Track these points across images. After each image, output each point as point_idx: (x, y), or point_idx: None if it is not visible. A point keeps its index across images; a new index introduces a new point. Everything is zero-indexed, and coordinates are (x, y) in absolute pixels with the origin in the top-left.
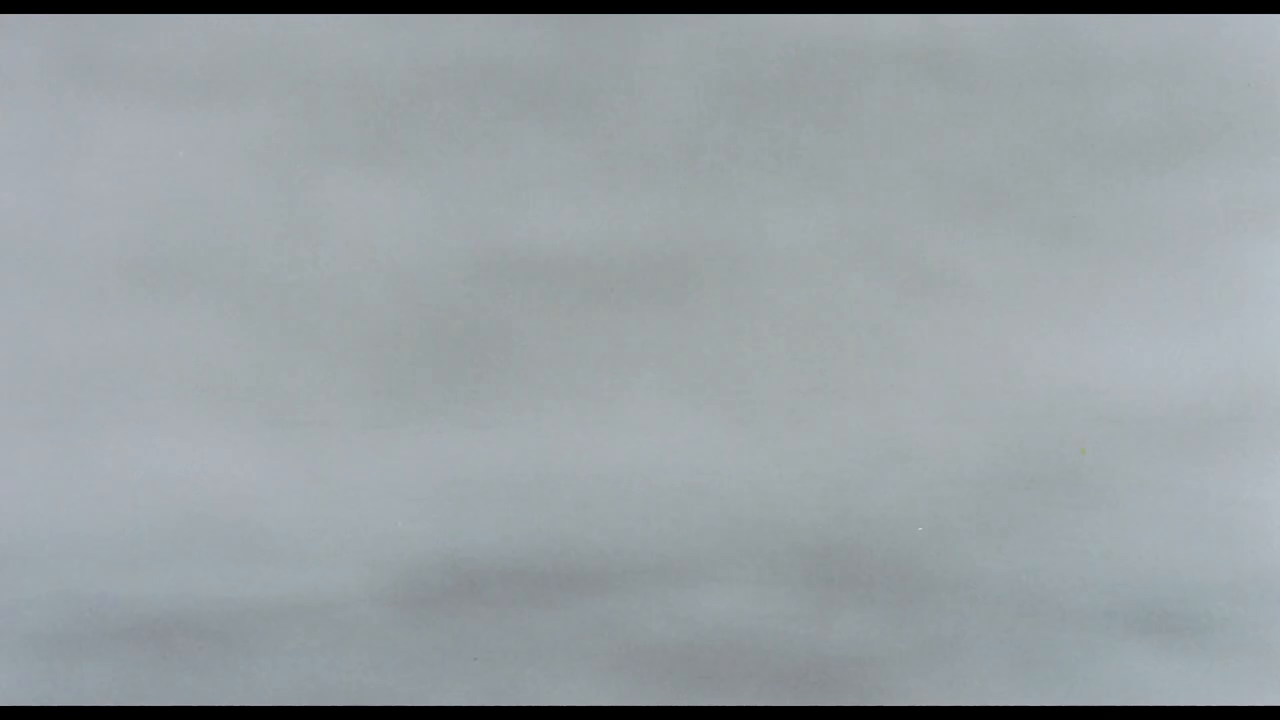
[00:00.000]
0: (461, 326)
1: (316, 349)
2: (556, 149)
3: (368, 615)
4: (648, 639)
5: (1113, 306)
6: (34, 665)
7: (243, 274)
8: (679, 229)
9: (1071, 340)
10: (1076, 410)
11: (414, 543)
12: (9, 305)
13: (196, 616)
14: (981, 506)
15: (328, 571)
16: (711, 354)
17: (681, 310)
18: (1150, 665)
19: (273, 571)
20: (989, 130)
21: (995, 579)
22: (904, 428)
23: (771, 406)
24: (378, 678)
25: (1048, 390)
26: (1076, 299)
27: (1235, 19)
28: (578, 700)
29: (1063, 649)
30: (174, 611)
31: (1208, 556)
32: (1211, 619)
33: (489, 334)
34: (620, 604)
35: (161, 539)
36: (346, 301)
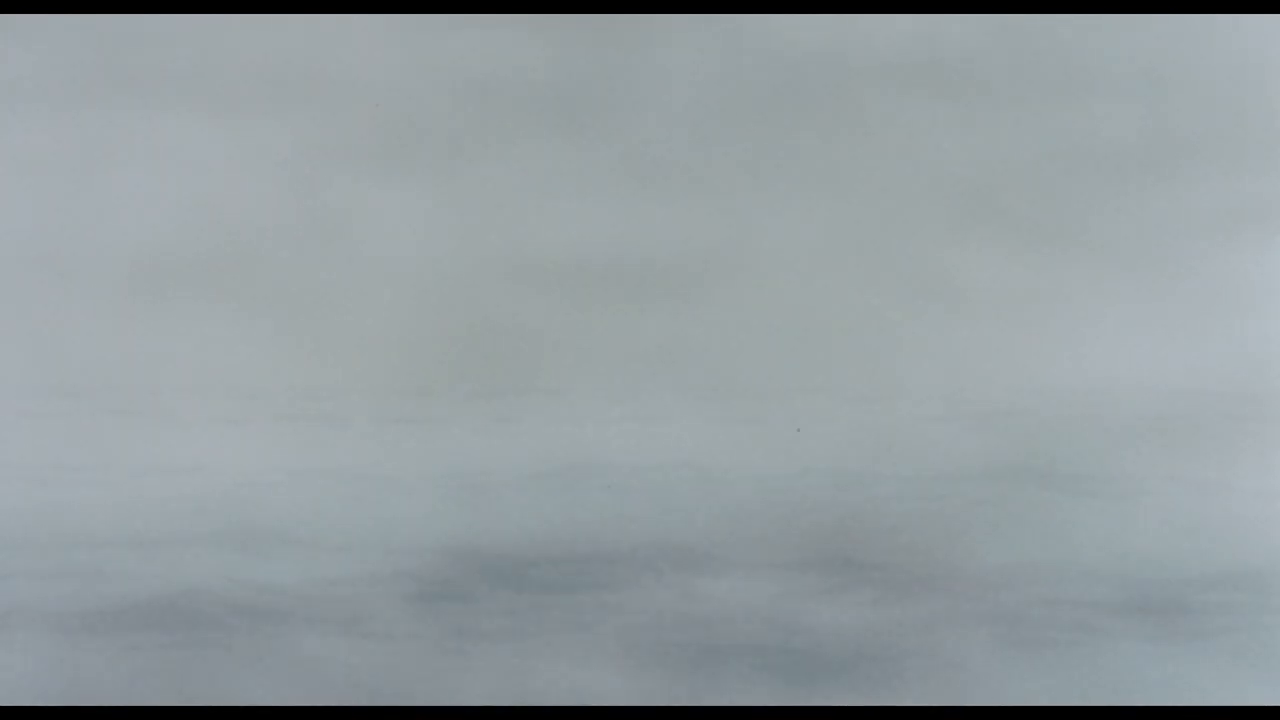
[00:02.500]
0: (477, 326)
1: (336, 348)
2: (568, 155)
3: (387, 603)
4: (657, 620)
5: (1108, 308)
6: (60, 653)
7: (265, 275)
8: (688, 232)
9: (1069, 340)
10: (1073, 409)
11: (431, 534)
12: (36, 305)
13: (220, 605)
14: (981, 500)
15: (347, 561)
16: (720, 353)
17: (691, 310)
18: (1147, 652)
19: (294, 562)
20: (988, 136)
21: (995, 570)
22: (904, 425)
23: (777, 404)
24: (396, 663)
25: (1045, 389)
26: (1073, 301)
27: (1231, 23)
28: (588, 682)
29: (1061, 637)
30: (197, 600)
31: (1201, 549)
32: (1206, 608)
33: (504, 333)
34: (631, 589)
35: (185, 530)
36: (366, 302)
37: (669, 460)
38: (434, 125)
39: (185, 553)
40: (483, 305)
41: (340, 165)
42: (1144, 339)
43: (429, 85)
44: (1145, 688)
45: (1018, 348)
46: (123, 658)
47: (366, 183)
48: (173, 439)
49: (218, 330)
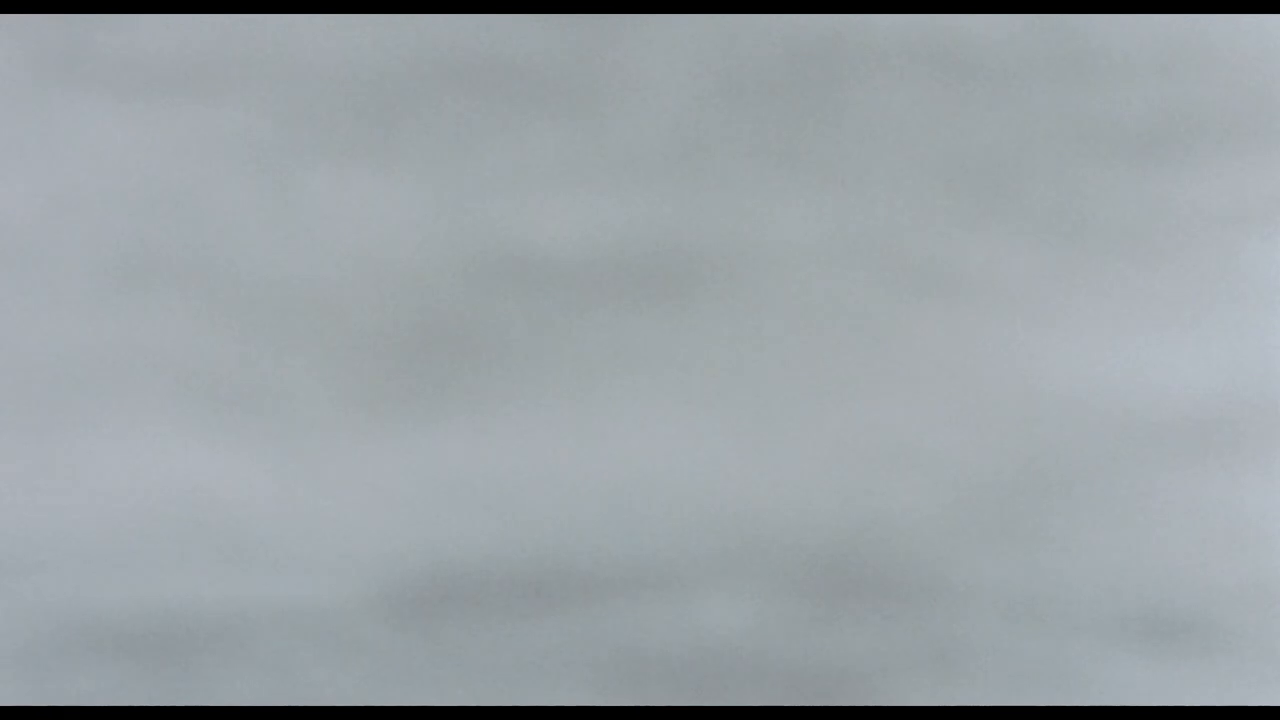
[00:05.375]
0: (453, 326)
1: (304, 349)
2: (550, 145)
3: (357, 622)
4: (645, 647)
5: (1122, 306)
6: (10, 674)
7: (228, 272)
8: (676, 227)
9: (1079, 341)
10: (1085, 413)
11: (405, 548)
12: None
13: (179, 623)
14: (988, 511)
15: (316, 577)
16: (709, 355)
17: (679, 310)
18: (1161, 673)
19: (259, 577)
20: (993, 125)
21: (1003, 586)
22: (907, 431)
23: (771, 409)
24: (367, 686)
25: (1055, 392)
26: (1084, 298)
27: (1251, 19)
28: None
29: (1072, 657)
30: (156, 618)
31: (1219, 563)
32: (1223, 626)
33: (481, 334)
34: (617, 611)
35: (143, 543)
36: (335, 300)
37: (658, 470)
38: (410, 114)
39: (151, 571)
40: (462, 304)
41: (312, 156)
42: (1162, 339)
43: (404, 72)
44: (1157, 701)
45: (1030, 348)
46: (80, 682)
47: (339, 174)
48: (135, 447)
49: (180, 329)
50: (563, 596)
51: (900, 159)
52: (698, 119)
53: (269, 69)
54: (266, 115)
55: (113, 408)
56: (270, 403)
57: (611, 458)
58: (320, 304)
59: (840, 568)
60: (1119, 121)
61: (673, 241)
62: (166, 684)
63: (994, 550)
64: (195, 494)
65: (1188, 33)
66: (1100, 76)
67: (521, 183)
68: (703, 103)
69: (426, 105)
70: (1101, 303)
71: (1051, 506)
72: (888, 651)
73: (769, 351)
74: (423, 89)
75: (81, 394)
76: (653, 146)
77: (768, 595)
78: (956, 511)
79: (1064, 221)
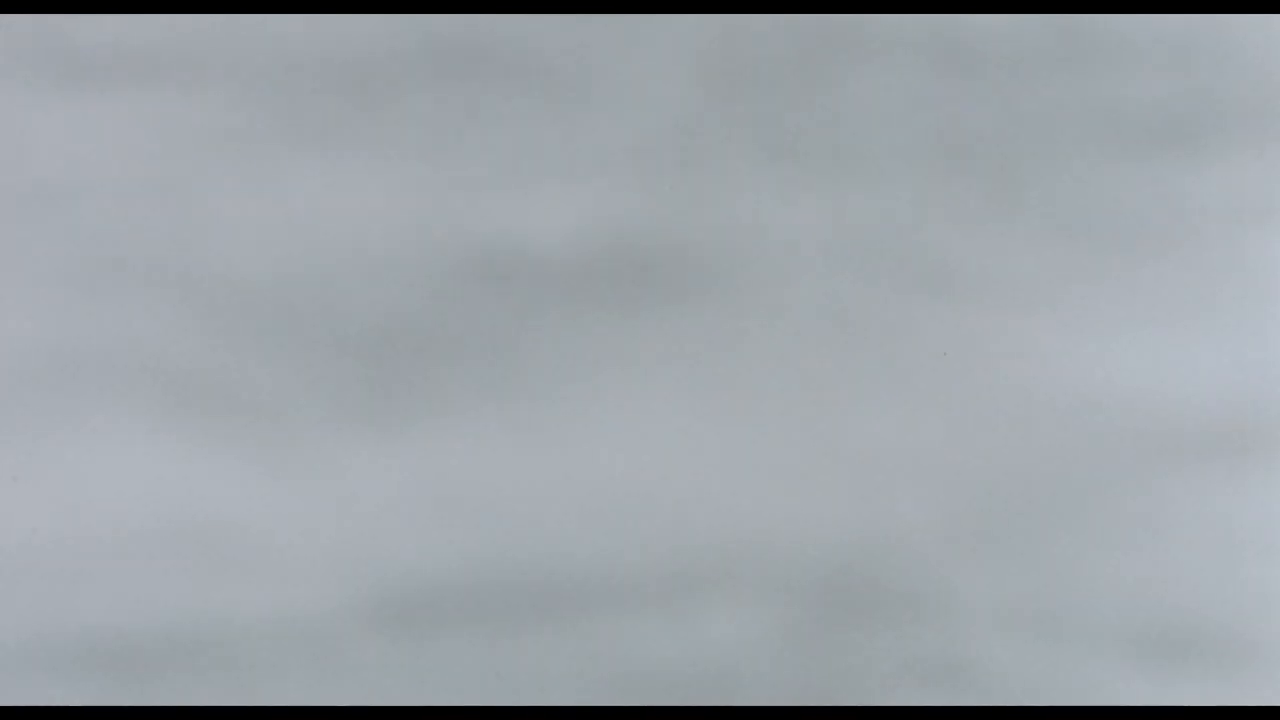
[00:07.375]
0: (441, 326)
1: (286, 349)
2: (540, 138)
3: (342, 631)
4: (639, 658)
5: (1131, 305)
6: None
7: (205, 268)
8: (671, 223)
9: (1087, 342)
10: (1093, 417)
11: (391, 556)
12: None
13: (159, 633)
14: (992, 520)
15: (302, 586)
16: (704, 357)
17: (673, 310)
18: (1168, 686)
19: (243, 586)
20: (998, 119)
21: (1007, 596)
22: (909, 436)
23: (769, 413)
24: (351, 696)
25: (1062, 396)
26: (1092, 297)
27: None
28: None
29: (1078, 669)
30: (134, 627)
31: (1232, 573)
32: (1235, 640)
33: (472, 334)
34: (611, 622)
35: (120, 551)
36: (318, 298)
37: (654, 475)
38: (395, 106)
39: (132, 580)
40: (450, 302)
41: (295, 149)
42: (1178, 340)
43: (389, 62)
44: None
45: (1040, 349)
46: (56, 696)
47: (323, 167)
48: (114, 451)
49: (159, 328)
50: (553, 607)
51: (902, 154)
52: (692, 111)
53: (247, 58)
54: (245, 106)
55: (87, 411)
56: (251, 405)
57: (604, 464)
58: (302, 302)
59: (841, 578)
60: (1127, 115)
61: (667, 238)
62: (143, 695)
63: (998, 560)
64: (174, 499)
65: (1198, 26)
66: (1108, 69)
67: (510, 178)
68: (698, 95)
69: (412, 96)
70: (1110, 302)
71: (1058, 515)
72: (889, 664)
73: (766, 353)
74: (407, 79)
75: (55, 396)
76: (646, 140)
77: (765, 607)
78: (960, 519)
79: (1071, 218)
